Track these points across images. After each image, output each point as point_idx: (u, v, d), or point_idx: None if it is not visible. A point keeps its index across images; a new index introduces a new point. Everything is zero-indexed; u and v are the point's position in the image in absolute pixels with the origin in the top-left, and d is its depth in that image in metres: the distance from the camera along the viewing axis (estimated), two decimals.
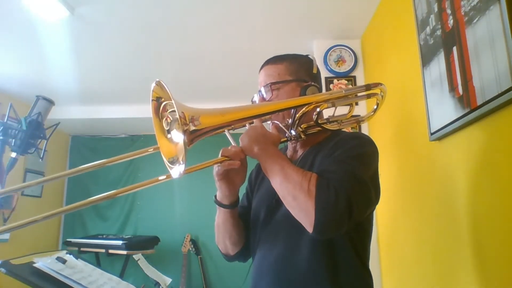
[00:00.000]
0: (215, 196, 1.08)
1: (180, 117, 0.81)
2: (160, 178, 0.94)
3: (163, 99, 0.89)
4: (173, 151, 0.88)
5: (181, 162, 0.83)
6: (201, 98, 3.79)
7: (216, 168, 0.99)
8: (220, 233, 1.14)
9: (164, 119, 0.90)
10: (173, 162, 0.87)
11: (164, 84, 0.85)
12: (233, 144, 0.99)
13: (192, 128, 0.84)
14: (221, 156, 0.96)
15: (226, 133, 0.99)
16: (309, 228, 0.83)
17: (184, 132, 0.82)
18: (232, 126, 0.96)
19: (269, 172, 0.93)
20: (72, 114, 4.04)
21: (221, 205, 1.07)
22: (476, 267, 1.19)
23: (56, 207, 4.50)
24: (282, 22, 2.50)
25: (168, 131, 0.90)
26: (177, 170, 0.85)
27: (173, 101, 0.82)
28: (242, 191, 1.17)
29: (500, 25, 1.00)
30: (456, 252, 1.32)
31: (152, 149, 1.00)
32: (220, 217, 1.10)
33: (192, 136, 0.84)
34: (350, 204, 0.82)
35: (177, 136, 0.88)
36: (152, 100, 0.90)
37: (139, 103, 3.94)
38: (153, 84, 0.88)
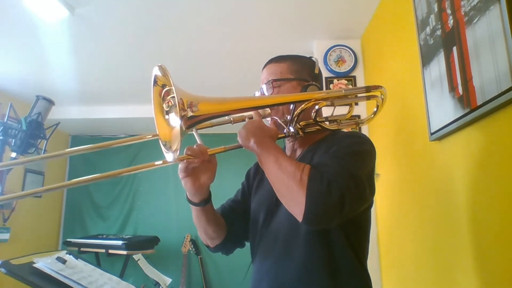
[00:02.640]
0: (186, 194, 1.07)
1: (178, 102, 0.82)
2: (157, 163, 0.93)
3: (166, 86, 0.90)
4: (169, 135, 0.89)
5: (177, 147, 0.84)
6: None
7: (179, 166, 0.99)
8: (197, 227, 1.15)
9: (166, 102, 0.90)
10: (167, 145, 0.88)
11: (166, 69, 0.86)
12: (199, 143, 0.99)
13: (190, 114, 0.84)
14: (185, 154, 0.96)
15: (194, 132, 0.98)
16: (299, 217, 0.83)
17: (182, 117, 0.82)
18: (231, 116, 0.96)
19: (264, 163, 0.93)
20: (72, 114, 4.05)
21: (191, 202, 1.06)
22: (475, 267, 1.19)
23: (56, 207, 4.53)
24: (282, 22, 2.50)
25: (167, 112, 0.90)
26: (171, 154, 0.85)
27: (173, 87, 0.83)
28: (220, 200, 1.17)
29: (500, 25, 1.00)
30: (456, 252, 1.32)
31: (150, 136, 1.00)
32: (193, 213, 1.10)
33: (189, 122, 0.85)
34: (342, 197, 0.82)
35: (175, 120, 0.88)
36: (155, 82, 0.90)
37: (139, 103, 3.95)
38: (156, 68, 0.88)
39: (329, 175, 0.84)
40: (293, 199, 0.85)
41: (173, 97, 0.87)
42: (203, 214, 1.08)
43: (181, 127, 0.82)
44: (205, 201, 1.06)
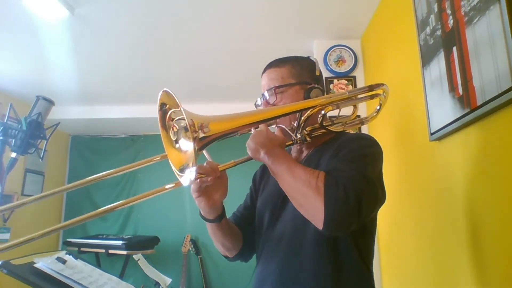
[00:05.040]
0: (200, 211, 1.07)
1: (189, 125, 0.82)
2: (167, 186, 0.94)
3: (168, 107, 0.90)
4: (182, 160, 0.89)
5: (191, 169, 0.84)
6: (201, 98, 3.80)
7: (192, 186, 0.99)
8: (213, 240, 1.15)
9: (171, 129, 0.91)
10: (182, 170, 0.88)
11: (171, 92, 0.86)
12: (209, 160, 1.00)
13: (202, 135, 0.85)
14: (197, 173, 0.96)
15: (204, 151, 0.98)
16: (319, 225, 0.83)
17: (194, 139, 0.82)
18: (240, 131, 0.96)
19: (276, 173, 0.93)
20: (72, 114, 4.04)
21: (206, 220, 1.07)
22: (475, 267, 1.19)
23: (56, 207, 4.53)
24: (282, 22, 2.50)
25: (176, 141, 0.91)
26: (187, 178, 0.86)
27: (181, 109, 0.83)
28: (227, 204, 1.17)
29: (500, 25, 1.00)
30: (456, 252, 1.32)
31: (159, 158, 0.99)
32: (208, 229, 1.11)
33: (202, 143, 0.85)
34: (360, 201, 0.82)
35: (186, 144, 0.89)
36: (158, 110, 0.91)
37: (139, 103, 3.94)
38: (160, 93, 0.88)
39: (344, 180, 0.83)
40: (311, 207, 0.85)
41: (178, 120, 0.87)
42: (219, 229, 1.09)
43: (194, 149, 0.82)
44: (220, 217, 1.06)
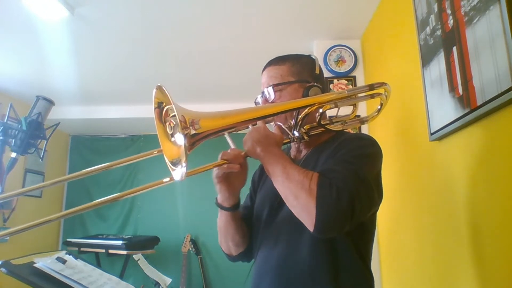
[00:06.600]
0: (216, 199, 1.08)
1: (180, 121, 0.82)
2: (165, 180, 0.94)
3: (164, 104, 0.90)
4: (175, 154, 0.89)
5: (183, 165, 0.84)
6: (202, 98, 3.79)
7: (215, 171, 1.00)
8: (222, 234, 1.14)
9: (168, 123, 0.91)
10: (175, 164, 0.88)
11: (164, 89, 0.86)
12: (232, 147, 1.00)
13: (193, 131, 0.85)
14: (221, 159, 0.96)
15: (226, 136, 0.99)
16: (310, 227, 0.83)
17: (185, 135, 0.82)
18: (234, 128, 0.96)
19: (271, 172, 0.93)
20: (72, 114, 4.05)
21: (222, 207, 1.07)
22: (476, 268, 1.19)
23: (56, 207, 4.52)
24: (282, 22, 2.50)
25: (172, 135, 0.91)
26: (179, 173, 0.86)
27: (173, 105, 0.83)
28: (244, 193, 1.17)
29: (500, 25, 1.00)
30: (456, 252, 1.32)
31: (156, 152, 1.00)
32: (221, 219, 1.10)
33: (193, 140, 0.85)
34: (352, 203, 0.81)
35: (180, 139, 0.89)
36: (155, 108, 0.91)
37: (139, 103, 3.95)
38: (154, 90, 0.88)
39: (338, 182, 0.83)
40: (303, 208, 0.85)
41: (174, 116, 0.87)
42: (233, 219, 1.09)
43: (185, 145, 0.82)
44: (236, 206, 1.07)
